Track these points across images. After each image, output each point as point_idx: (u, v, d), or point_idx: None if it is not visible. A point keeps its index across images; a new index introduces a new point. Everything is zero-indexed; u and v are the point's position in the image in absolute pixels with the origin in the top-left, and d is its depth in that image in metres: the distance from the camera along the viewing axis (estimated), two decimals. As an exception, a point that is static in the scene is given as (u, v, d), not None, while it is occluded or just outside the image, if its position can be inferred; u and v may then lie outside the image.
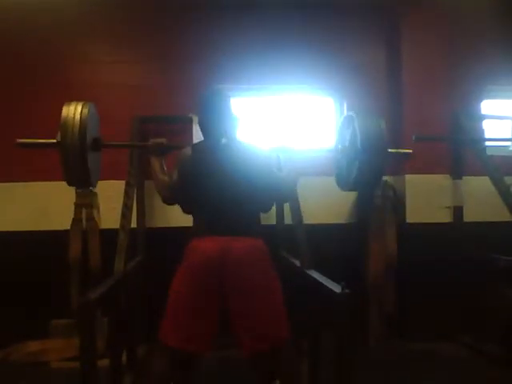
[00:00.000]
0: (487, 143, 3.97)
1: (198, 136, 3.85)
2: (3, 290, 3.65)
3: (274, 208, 3.75)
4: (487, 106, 4.42)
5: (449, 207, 4.03)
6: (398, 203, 3.97)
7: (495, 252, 3.59)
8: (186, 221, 2.35)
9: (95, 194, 3.62)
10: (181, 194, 2.28)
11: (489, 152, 3.76)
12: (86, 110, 2.32)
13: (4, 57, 3.99)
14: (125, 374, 2.89)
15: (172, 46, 4.13)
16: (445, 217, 4.01)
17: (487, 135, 4.21)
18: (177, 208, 2.36)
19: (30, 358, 3.44)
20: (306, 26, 4.15)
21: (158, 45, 4.12)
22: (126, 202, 3.35)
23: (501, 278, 3.47)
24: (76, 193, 3.56)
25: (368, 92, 4.17)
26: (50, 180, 3.70)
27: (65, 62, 4.04)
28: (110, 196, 3.66)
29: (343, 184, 2.69)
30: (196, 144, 2.43)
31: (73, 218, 3.61)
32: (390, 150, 2.53)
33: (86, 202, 3.62)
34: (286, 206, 3.44)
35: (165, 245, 3.56)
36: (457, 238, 3.92)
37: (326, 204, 3.91)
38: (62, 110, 2.27)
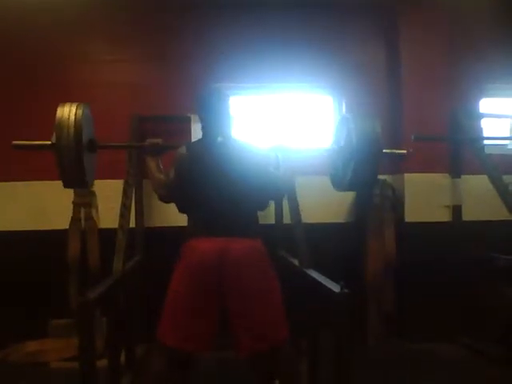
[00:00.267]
0: (486, 142, 3.96)
1: (196, 135, 3.87)
2: (1, 290, 3.65)
3: (272, 207, 3.75)
4: (486, 104, 4.41)
5: (448, 206, 4.02)
6: (396, 202, 3.96)
7: (494, 251, 3.59)
8: (184, 220, 2.34)
9: (94, 194, 3.62)
10: (177, 192, 2.28)
11: (487, 151, 3.76)
12: (80, 111, 2.29)
13: (4, 56, 3.98)
14: (123, 374, 2.89)
15: (171, 44, 4.12)
16: (444, 216, 4.01)
17: (486, 134, 4.21)
18: (175, 207, 2.36)
19: (29, 358, 3.44)
20: (305, 24, 4.14)
21: (157, 44, 4.10)
22: (124, 202, 3.35)
23: (500, 277, 3.47)
24: (74, 192, 3.56)
25: (367, 90, 4.17)
26: (49, 179, 3.69)
27: (63, 61, 4.02)
28: (109, 195, 3.65)
29: (338, 185, 2.70)
30: (192, 143, 2.45)
31: (71, 218, 3.62)
32: (384, 151, 2.53)
33: (84, 202, 3.63)
34: (285, 206, 3.43)
35: (163, 244, 3.55)
36: (456, 236, 3.91)
37: (324, 203, 3.91)
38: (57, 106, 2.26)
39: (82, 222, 3.63)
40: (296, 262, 2.95)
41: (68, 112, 2.28)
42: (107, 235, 3.28)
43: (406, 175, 3.98)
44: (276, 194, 2.41)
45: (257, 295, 2.10)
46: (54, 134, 2.26)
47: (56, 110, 2.30)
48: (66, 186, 2.42)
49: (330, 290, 2.17)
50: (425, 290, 3.74)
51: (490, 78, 4.30)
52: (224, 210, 2.16)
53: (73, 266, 3.58)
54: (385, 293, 3.80)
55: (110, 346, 2.71)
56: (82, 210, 3.62)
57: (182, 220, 2.44)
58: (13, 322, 3.60)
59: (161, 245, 3.66)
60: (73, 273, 3.58)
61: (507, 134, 4.47)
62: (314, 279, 2.49)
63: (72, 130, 2.24)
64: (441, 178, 4.02)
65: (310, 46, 4.14)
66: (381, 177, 3.93)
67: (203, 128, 2.34)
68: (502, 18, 4.23)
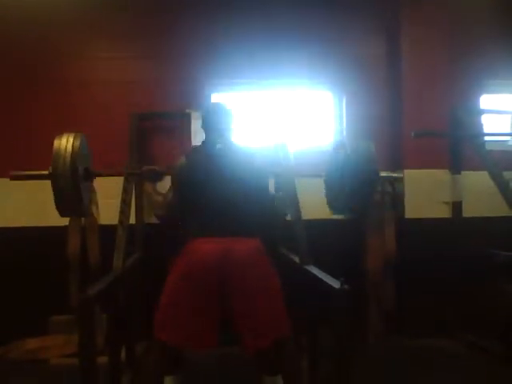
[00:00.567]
0: (486, 138, 3.96)
1: (196, 132, 3.87)
2: (2, 287, 3.65)
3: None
4: (486, 100, 4.40)
5: (448, 202, 4.02)
6: (396, 198, 3.96)
7: (494, 247, 3.59)
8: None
9: (94, 190, 3.61)
10: (177, 207, 2.30)
11: (488, 147, 3.75)
12: (77, 143, 2.39)
13: (3, 56, 3.98)
14: (124, 371, 2.88)
15: (170, 42, 4.10)
16: (444, 212, 4.00)
17: (486, 130, 4.20)
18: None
19: (29, 355, 3.44)
20: (305, 19, 4.12)
21: (155, 41, 4.09)
22: (124, 198, 3.34)
23: (500, 274, 3.47)
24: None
25: (367, 86, 4.16)
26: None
27: (62, 58, 4.01)
28: (109, 192, 3.64)
29: (334, 208, 2.73)
30: (191, 152, 2.48)
31: (71, 214, 3.61)
32: (381, 174, 2.55)
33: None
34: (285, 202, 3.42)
35: (163, 240, 3.55)
36: (456, 233, 3.91)
37: (324, 199, 3.90)
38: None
39: (82, 218, 3.62)
40: (296, 259, 2.95)
41: (65, 143, 2.37)
42: (107, 231, 3.28)
43: (405, 171, 3.97)
44: (273, 218, 2.47)
45: (260, 294, 2.12)
46: (51, 165, 2.35)
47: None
48: (62, 215, 2.50)
49: (330, 286, 2.17)
50: (425, 287, 3.74)
51: (491, 74, 4.28)
52: (224, 211, 2.19)
53: (73, 263, 3.57)
54: (385, 290, 3.79)
55: (110, 343, 2.71)
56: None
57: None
58: (13, 318, 3.60)
59: (161, 241, 3.65)
60: (73, 269, 3.58)
61: (508, 130, 4.47)
62: (314, 275, 2.48)
63: (68, 160, 2.34)
64: (441, 174, 4.01)
65: (310, 41, 4.12)
66: (381, 173, 3.94)
67: (204, 138, 2.41)
68: (503, 14, 4.22)
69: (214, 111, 2.46)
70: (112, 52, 4.08)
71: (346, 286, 2.05)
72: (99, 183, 3.19)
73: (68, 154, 2.34)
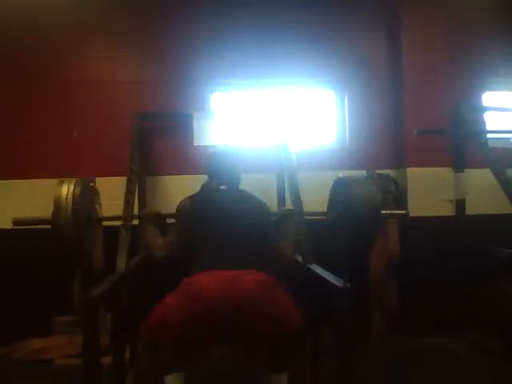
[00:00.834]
0: (489, 135, 3.95)
1: (198, 132, 3.88)
2: (5, 288, 3.66)
3: (275, 202, 3.74)
4: (489, 98, 4.39)
5: (451, 200, 4.01)
6: (399, 197, 3.95)
7: (498, 245, 3.58)
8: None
9: (97, 191, 3.61)
10: (180, 247, 2.31)
11: (491, 144, 3.74)
12: (78, 189, 2.42)
13: (3, 56, 3.98)
14: (128, 372, 2.89)
15: (170, 42, 4.10)
16: (447, 210, 4.00)
17: (489, 127, 4.20)
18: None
19: (33, 356, 3.44)
20: (305, 17, 4.12)
21: (155, 41, 4.09)
22: (127, 199, 3.34)
23: (502, 273, 3.45)
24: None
25: (369, 84, 4.15)
26: (52, 177, 3.69)
27: (62, 59, 4.02)
28: (112, 192, 3.64)
29: (335, 251, 2.74)
30: (194, 194, 2.48)
31: (74, 215, 3.60)
32: (383, 212, 2.54)
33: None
34: (288, 201, 3.42)
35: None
36: (459, 230, 3.90)
37: (326, 199, 3.89)
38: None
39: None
40: (299, 258, 2.94)
41: (66, 191, 2.41)
42: (110, 232, 3.28)
43: (408, 169, 3.97)
44: (278, 259, 2.46)
45: (272, 322, 2.03)
46: (53, 211, 2.40)
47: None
48: (64, 266, 2.56)
49: (333, 284, 2.17)
50: (428, 286, 3.73)
51: (493, 72, 4.27)
52: (228, 252, 2.17)
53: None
54: (388, 289, 3.78)
55: (114, 344, 2.71)
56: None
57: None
58: (16, 319, 3.61)
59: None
60: (76, 270, 3.58)
61: (510, 128, 4.45)
62: (317, 274, 2.48)
63: (70, 206, 2.38)
64: (444, 172, 4.00)
65: (311, 39, 4.12)
66: (384, 171, 3.93)
67: (208, 180, 2.52)
68: (505, 11, 4.20)
69: (220, 156, 2.54)
70: (112, 52, 4.09)
71: (348, 285, 2.05)
72: (103, 184, 3.19)
73: (69, 202, 2.38)
